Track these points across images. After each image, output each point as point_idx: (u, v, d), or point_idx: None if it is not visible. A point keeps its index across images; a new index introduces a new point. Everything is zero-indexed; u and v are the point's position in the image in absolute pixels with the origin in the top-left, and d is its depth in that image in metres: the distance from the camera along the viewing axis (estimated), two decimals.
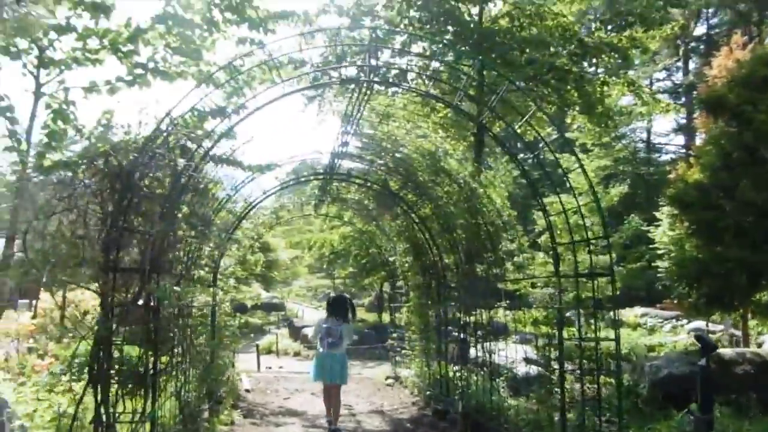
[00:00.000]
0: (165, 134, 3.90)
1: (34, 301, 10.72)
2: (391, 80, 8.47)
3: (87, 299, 8.41)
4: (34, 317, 9.25)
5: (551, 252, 7.23)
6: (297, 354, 16.44)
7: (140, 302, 3.66)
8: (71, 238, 3.43)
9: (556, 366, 5.37)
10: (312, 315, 30.59)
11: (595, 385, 4.43)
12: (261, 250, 26.77)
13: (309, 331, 17.96)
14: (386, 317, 25.52)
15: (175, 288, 4.01)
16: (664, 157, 32.05)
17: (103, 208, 3.62)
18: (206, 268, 6.85)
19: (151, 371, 3.90)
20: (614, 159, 23.43)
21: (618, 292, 10.86)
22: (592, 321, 4.89)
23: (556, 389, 5.41)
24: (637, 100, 11.79)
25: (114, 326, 3.45)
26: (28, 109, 4.22)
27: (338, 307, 6.88)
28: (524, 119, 5.10)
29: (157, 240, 3.82)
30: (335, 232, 20.75)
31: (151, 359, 3.81)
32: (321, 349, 6.64)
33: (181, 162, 4.05)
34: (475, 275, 7.05)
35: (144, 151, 3.76)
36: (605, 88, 10.66)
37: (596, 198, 4.59)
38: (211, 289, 7.13)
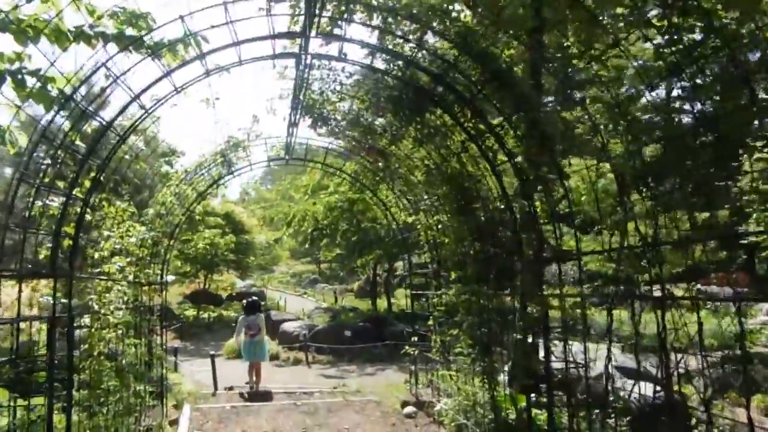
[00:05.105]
0: None
1: None
2: None
3: None
4: None
5: None
6: (275, 357, 12.50)
7: None
8: None
9: None
10: (296, 304, 26.81)
11: None
12: (233, 231, 23.00)
13: (288, 326, 14.65)
14: (382, 304, 21.91)
15: None
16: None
17: None
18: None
19: None
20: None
21: None
22: None
23: None
24: None
25: None
26: None
27: (252, 308, 9.28)
28: None
29: None
30: (320, 201, 16.98)
31: None
32: (245, 338, 8.95)
33: None
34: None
35: None
36: None
37: None
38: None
